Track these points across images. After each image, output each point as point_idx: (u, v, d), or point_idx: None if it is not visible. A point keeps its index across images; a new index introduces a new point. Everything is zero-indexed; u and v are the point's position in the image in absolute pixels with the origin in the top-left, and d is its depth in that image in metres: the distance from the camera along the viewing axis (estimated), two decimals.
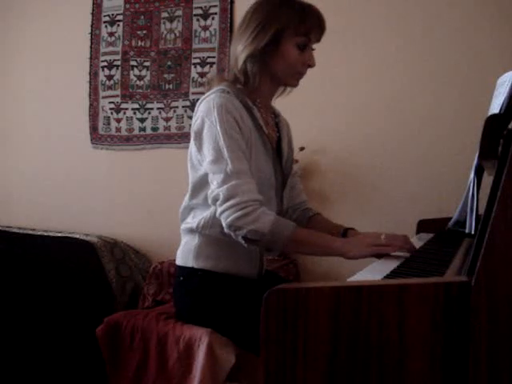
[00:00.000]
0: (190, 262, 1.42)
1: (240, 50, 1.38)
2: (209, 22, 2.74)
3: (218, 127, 1.29)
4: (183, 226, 1.48)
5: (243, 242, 1.28)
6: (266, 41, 1.35)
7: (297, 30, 1.36)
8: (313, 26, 1.38)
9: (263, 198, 1.31)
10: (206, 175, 1.35)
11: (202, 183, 1.39)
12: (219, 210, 1.27)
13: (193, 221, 1.42)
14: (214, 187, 1.28)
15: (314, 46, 1.44)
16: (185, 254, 1.44)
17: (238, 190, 1.25)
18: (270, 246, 1.29)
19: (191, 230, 1.43)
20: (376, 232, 1.31)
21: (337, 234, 1.49)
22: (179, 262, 1.47)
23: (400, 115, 2.38)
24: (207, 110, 1.32)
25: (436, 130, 2.32)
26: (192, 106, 2.76)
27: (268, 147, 1.43)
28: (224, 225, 1.27)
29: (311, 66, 1.42)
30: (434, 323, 0.72)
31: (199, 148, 1.35)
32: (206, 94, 1.39)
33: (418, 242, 1.56)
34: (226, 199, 1.25)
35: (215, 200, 1.28)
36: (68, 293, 2.24)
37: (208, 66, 2.74)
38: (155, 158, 2.87)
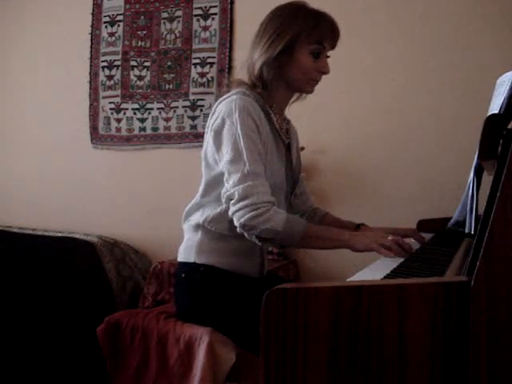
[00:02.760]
0: (192, 258, 1.43)
1: (256, 58, 1.42)
2: (209, 22, 2.74)
3: (239, 129, 1.31)
4: (187, 223, 1.49)
5: (257, 240, 1.31)
6: (280, 48, 1.38)
7: (310, 37, 1.39)
8: (326, 33, 1.41)
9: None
10: (220, 174, 1.37)
11: (215, 182, 1.40)
12: (233, 208, 1.29)
13: (201, 217, 1.43)
14: (230, 186, 1.30)
15: (329, 53, 1.47)
16: (187, 250, 1.46)
17: (254, 190, 1.28)
18: (284, 242, 1.34)
19: (196, 226, 1.44)
20: (385, 229, 1.36)
21: (350, 230, 1.55)
22: (181, 258, 1.48)
23: (400, 115, 2.38)
24: (228, 111, 1.34)
25: (436, 130, 2.32)
26: (192, 106, 2.76)
27: (282, 152, 1.47)
28: (237, 224, 1.29)
29: (325, 72, 1.45)
30: (433, 323, 0.73)
31: (218, 147, 1.36)
32: (225, 95, 1.41)
33: (417, 242, 1.57)
34: (241, 199, 1.28)
35: (229, 199, 1.31)
36: (68, 293, 2.24)
37: (208, 66, 2.74)
38: (155, 158, 2.87)
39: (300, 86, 1.46)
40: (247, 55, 1.47)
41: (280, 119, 1.50)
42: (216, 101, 1.45)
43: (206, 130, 1.45)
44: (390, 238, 1.29)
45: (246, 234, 1.31)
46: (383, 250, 1.26)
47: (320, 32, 1.40)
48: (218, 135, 1.36)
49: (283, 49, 1.39)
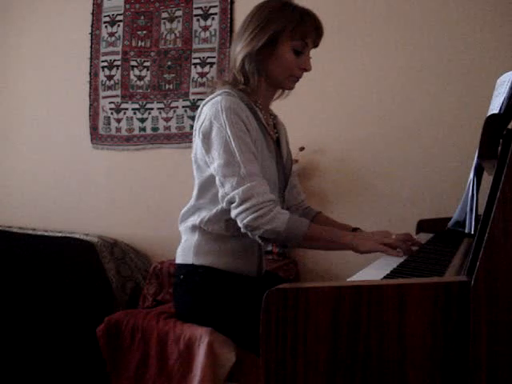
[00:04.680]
0: (190, 259, 1.43)
1: (238, 51, 1.42)
2: (209, 22, 2.74)
3: (228, 130, 1.30)
4: (184, 225, 1.48)
5: (260, 240, 1.32)
6: (263, 42, 1.38)
7: (294, 33, 1.39)
8: (309, 31, 1.41)
9: None
10: (212, 176, 1.37)
11: (208, 183, 1.40)
12: (235, 211, 1.29)
13: (197, 219, 1.43)
14: (228, 190, 1.30)
15: (312, 51, 1.46)
16: (185, 252, 1.45)
17: (253, 191, 1.27)
18: (286, 243, 1.33)
19: (192, 228, 1.44)
20: (387, 231, 1.35)
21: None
22: (179, 259, 1.48)
23: (400, 115, 2.38)
24: (215, 113, 1.33)
25: (436, 130, 2.32)
26: (192, 106, 2.76)
27: (272, 148, 1.46)
28: (240, 225, 1.30)
29: (307, 70, 1.45)
30: (434, 323, 0.73)
31: (207, 150, 1.35)
32: (210, 96, 1.40)
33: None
34: (242, 201, 1.27)
35: (230, 202, 1.30)
36: (68, 293, 2.24)
37: (208, 66, 2.74)
38: (155, 158, 2.87)
39: (280, 81, 1.45)
40: (230, 50, 1.46)
41: (266, 115, 1.50)
42: None
43: (193, 133, 1.44)
44: (393, 236, 1.29)
45: (249, 234, 1.31)
46: (391, 250, 1.26)
47: (304, 29, 1.39)
48: (206, 138, 1.35)
49: (266, 42, 1.38)
